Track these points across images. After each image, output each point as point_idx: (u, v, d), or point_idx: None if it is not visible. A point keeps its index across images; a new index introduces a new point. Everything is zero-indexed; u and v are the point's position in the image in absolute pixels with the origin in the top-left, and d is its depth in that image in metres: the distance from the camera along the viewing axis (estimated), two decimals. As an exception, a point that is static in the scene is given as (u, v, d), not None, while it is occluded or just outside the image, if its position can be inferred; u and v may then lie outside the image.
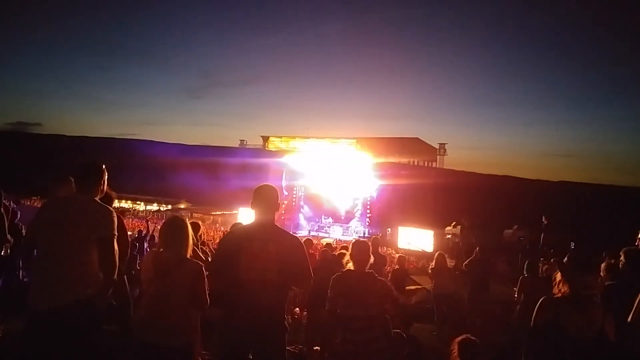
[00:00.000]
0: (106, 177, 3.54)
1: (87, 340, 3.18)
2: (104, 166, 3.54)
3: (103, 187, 3.52)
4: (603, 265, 4.46)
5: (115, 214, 3.38)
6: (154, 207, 42.33)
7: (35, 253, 3.29)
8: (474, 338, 3.52)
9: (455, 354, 3.45)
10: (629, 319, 3.40)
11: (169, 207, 41.57)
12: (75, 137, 79.84)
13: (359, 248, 4.11)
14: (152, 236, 12.75)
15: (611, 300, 3.57)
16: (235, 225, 5.45)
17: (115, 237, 3.30)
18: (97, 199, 3.43)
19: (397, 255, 11.10)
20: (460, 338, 3.53)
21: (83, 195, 3.38)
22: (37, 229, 3.32)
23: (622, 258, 4.27)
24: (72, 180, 3.60)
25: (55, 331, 3.07)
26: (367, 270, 4.03)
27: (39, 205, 10.13)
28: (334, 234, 23.97)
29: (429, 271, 9.54)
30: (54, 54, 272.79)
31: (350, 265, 4.08)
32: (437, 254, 9.69)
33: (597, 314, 2.91)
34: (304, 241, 8.47)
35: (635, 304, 3.43)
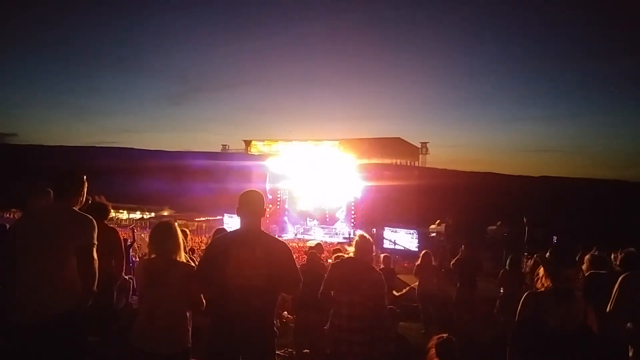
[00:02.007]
0: (86, 187, 3.46)
1: (72, 352, 3.13)
2: (84, 176, 3.46)
3: (83, 198, 3.44)
4: (587, 257, 4.54)
5: (95, 223, 3.29)
6: (137, 215, 41.83)
7: (16, 266, 3.18)
8: (451, 337, 3.54)
9: (433, 352, 3.47)
10: (608, 309, 3.45)
11: (152, 214, 41.12)
12: (53, 147, 78.54)
13: (365, 239, 4.32)
14: (140, 245, 12.65)
15: (592, 291, 3.63)
16: (218, 231, 5.42)
17: (95, 245, 3.22)
18: (76, 208, 3.35)
19: (382, 255, 11.12)
20: (437, 337, 3.56)
21: (62, 205, 3.30)
22: (16, 242, 3.22)
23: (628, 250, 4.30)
24: (50, 191, 3.53)
25: (39, 345, 3.01)
26: (366, 261, 4.24)
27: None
28: (317, 235, 23.97)
29: (414, 270, 9.58)
30: (30, 62, 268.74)
31: (352, 253, 4.30)
32: (423, 252, 9.71)
33: (579, 307, 2.97)
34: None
35: (614, 294, 3.49)
